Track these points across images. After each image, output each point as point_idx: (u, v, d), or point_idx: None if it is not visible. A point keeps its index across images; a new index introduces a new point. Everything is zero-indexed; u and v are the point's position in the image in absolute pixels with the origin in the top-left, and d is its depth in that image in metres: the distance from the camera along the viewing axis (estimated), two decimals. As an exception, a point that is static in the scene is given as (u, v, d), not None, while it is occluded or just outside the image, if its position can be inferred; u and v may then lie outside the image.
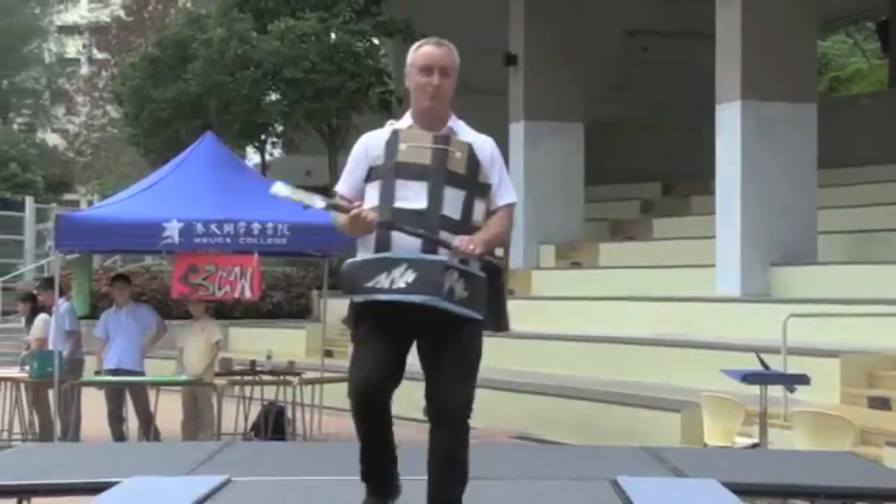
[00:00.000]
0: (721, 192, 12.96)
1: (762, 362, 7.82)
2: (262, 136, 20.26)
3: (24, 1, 43.47)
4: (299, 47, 17.76)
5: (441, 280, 3.95)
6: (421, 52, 4.23)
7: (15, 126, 41.69)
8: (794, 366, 8.65)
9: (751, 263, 12.61)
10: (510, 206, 4.24)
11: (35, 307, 11.46)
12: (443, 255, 3.99)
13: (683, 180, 17.88)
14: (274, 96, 18.75)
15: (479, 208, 4.14)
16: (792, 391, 8.11)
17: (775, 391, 8.15)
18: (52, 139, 42.20)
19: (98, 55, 34.28)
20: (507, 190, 4.25)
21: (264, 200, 10.49)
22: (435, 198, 4.06)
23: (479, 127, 4.29)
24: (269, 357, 11.79)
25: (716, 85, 13.00)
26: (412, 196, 4.06)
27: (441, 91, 4.17)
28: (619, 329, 12.56)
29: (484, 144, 4.22)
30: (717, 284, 12.85)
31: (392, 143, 4.15)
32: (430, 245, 4.00)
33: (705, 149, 13.38)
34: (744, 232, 12.63)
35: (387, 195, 4.07)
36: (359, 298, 4.06)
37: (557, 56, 16.17)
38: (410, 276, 3.96)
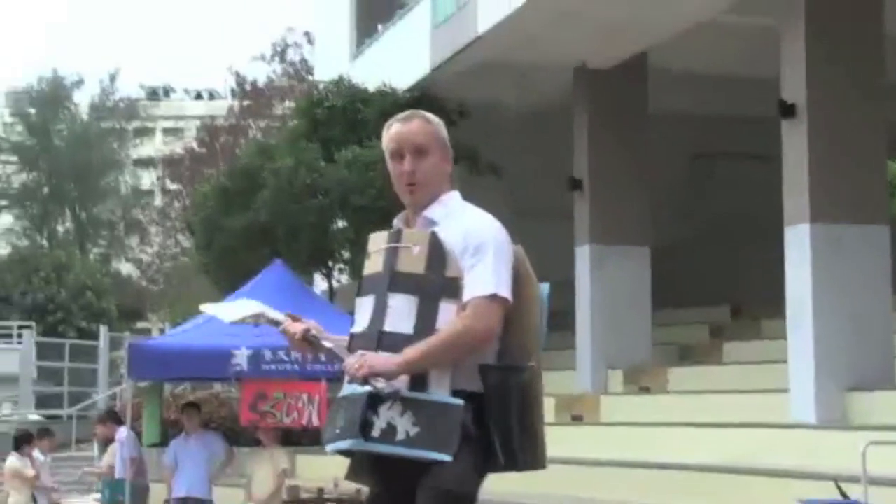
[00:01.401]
0: (792, 315, 12.74)
1: (841, 492, 7.59)
2: (329, 263, 20.48)
3: (103, 136, 44.91)
4: (366, 175, 18.04)
5: (357, 417, 3.18)
6: (388, 134, 3.39)
7: (91, 256, 42.66)
8: (877, 496, 8.36)
9: (826, 388, 12.30)
10: (481, 300, 3.19)
11: (111, 432, 11.56)
12: (382, 384, 3.20)
13: (753, 303, 17.66)
14: (341, 223, 18.99)
15: (448, 311, 3.21)
16: (874, 521, 7.83)
17: (856, 521, 7.88)
18: (126, 268, 43.11)
19: (171, 186, 35.16)
20: (478, 279, 3.21)
21: (332, 326, 10.67)
22: (377, 312, 3.28)
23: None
24: (336, 485, 11.69)
25: (784, 207, 12.92)
26: (361, 316, 3.34)
27: (417, 177, 3.30)
28: (690, 456, 12.27)
29: (464, 230, 3.25)
30: (792, 410, 12.55)
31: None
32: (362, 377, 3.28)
33: (775, 271, 13.23)
34: (817, 356, 12.36)
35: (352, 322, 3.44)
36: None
37: (622, 180, 16.22)
38: (342, 419, 3.27)
